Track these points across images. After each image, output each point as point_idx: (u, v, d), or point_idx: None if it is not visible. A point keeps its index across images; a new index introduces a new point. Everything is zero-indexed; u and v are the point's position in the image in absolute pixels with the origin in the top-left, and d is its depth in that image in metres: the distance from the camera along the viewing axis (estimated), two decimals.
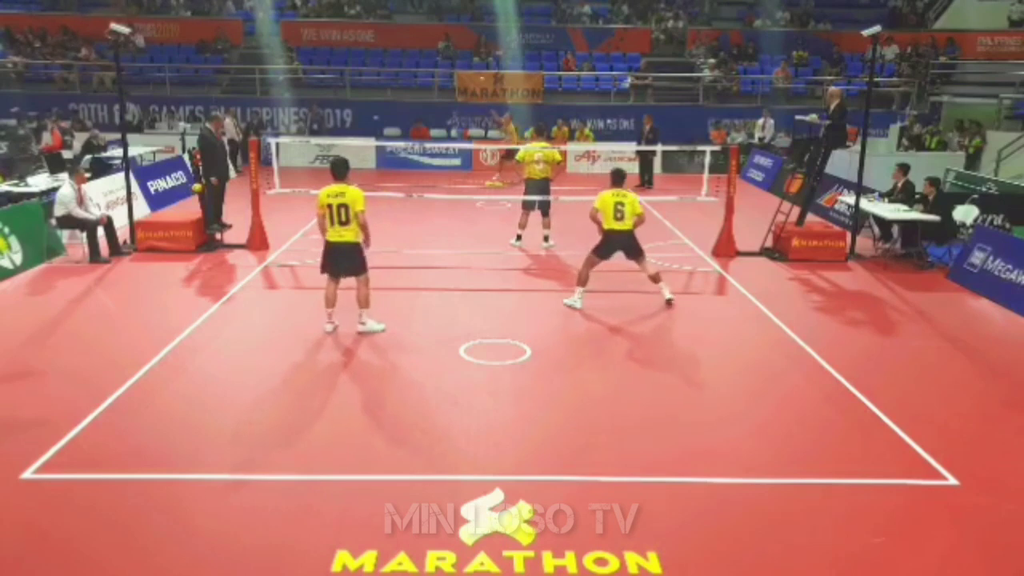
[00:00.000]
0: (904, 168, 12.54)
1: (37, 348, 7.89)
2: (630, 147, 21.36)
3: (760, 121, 21.59)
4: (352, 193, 7.76)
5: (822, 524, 5.06)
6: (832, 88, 13.00)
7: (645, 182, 18.85)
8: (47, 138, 17.96)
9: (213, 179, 11.75)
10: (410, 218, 14.00)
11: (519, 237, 12.18)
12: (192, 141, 17.39)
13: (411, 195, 13.58)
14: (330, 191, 7.76)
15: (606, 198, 9.03)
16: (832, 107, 12.22)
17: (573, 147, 20.86)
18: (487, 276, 10.84)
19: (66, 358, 7.61)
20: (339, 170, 7.94)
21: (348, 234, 7.83)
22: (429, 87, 24.06)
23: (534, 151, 11.91)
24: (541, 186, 11.91)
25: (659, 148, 18.14)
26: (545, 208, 12.02)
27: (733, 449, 5.99)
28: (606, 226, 9.05)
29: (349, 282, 8.23)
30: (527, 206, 12.03)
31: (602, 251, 9.24)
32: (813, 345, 8.17)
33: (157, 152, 18.49)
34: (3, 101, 21.02)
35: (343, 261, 8.00)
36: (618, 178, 9.17)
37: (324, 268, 8.11)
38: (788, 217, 12.30)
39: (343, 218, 7.74)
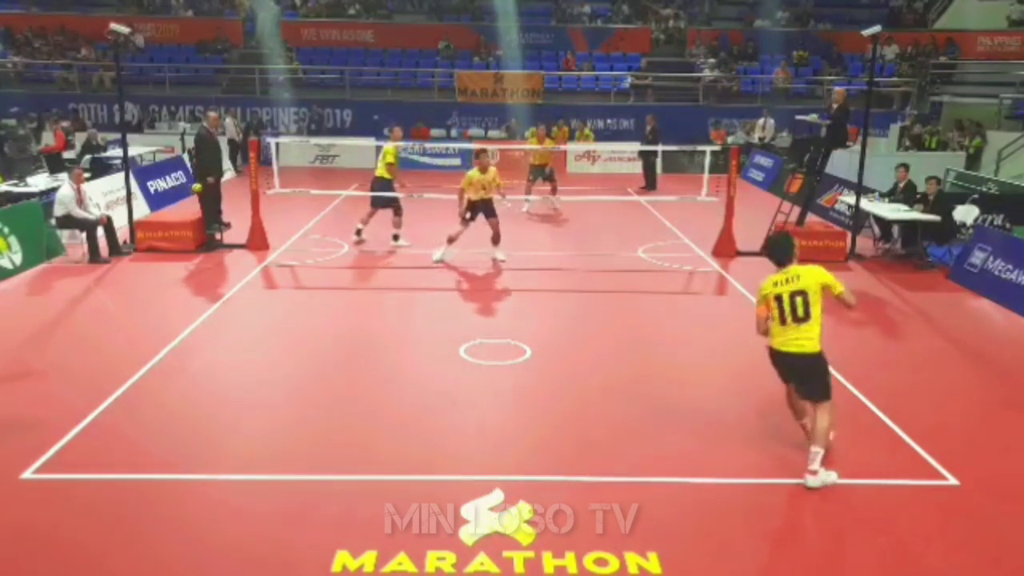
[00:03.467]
0: (907, 167, 12.55)
1: (37, 348, 7.89)
2: (630, 147, 21.36)
3: (760, 121, 21.59)
4: (811, 274, 5.42)
5: (822, 524, 5.06)
6: (837, 88, 12.99)
7: (648, 184, 18.74)
8: (48, 138, 17.96)
9: (209, 179, 11.74)
10: (410, 218, 13.97)
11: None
12: (192, 141, 17.45)
13: (411, 195, 13.57)
14: (777, 279, 5.46)
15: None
16: (834, 107, 12.22)
17: (573, 147, 20.86)
18: (487, 276, 10.84)
19: (66, 358, 7.60)
20: (784, 251, 5.62)
21: (805, 339, 5.34)
22: (429, 87, 24.06)
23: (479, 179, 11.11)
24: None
25: (659, 148, 18.11)
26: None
27: (733, 449, 5.98)
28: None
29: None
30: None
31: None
32: None
33: (157, 152, 18.49)
34: (3, 101, 21.03)
35: (797, 377, 5.53)
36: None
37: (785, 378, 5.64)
38: (788, 217, 12.30)
39: (800, 313, 5.33)
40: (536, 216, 14.96)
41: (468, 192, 11.09)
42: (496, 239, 11.31)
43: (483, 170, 11.07)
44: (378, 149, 20.93)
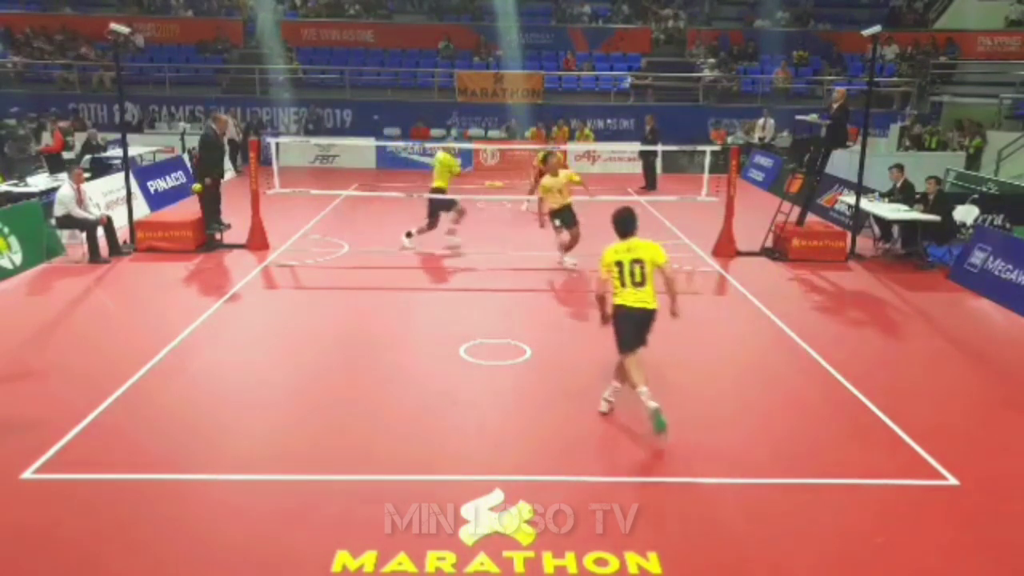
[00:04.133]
0: (900, 168, 12.55)
1: (37, 348, 7.89)
2: (629, 147, 21.35)
3: (760, 121, 21.59)
4: (647, 247, 6.27)
5: (822, 524, 5.06)
6: (837, 88, 13.00)
7: (648, 184, 18.73)
8: (47, 139, 17.95)
9: (207, 180, 11.73)
10: (410, 218, 13.98)
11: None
12: (192, 141, 17.44)
13: (411, 195, 13.58)
14: (619, 248, 6.24)
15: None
16: (835, 107, 12.22)
17: (573, 147, 20.88)
18: (487, 276, 10.83)
19: (66, 358, 7.60)
20: (626, 225, 6.37)
21: (647, 296, 6.14)
22: (429, 87, 24.06)
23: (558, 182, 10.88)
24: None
25: (659, 148, 18.12)
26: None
27: (733, 449, 5.98)
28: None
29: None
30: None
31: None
32: (813, 345, 8.17)
33: (157, 152, 18.49)
34: (3, 101, 21.02)
35: (638, 329, 6.21)
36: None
37: (626, 344, 6.19)
38: (788, 217, 12.30)
39: (638, 279, 6.11)
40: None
41: (548, 200, 10.68)
42: (570, 247, 10.80)
43: (555, 174, 10.74)
44: (378, 149, 21.16)
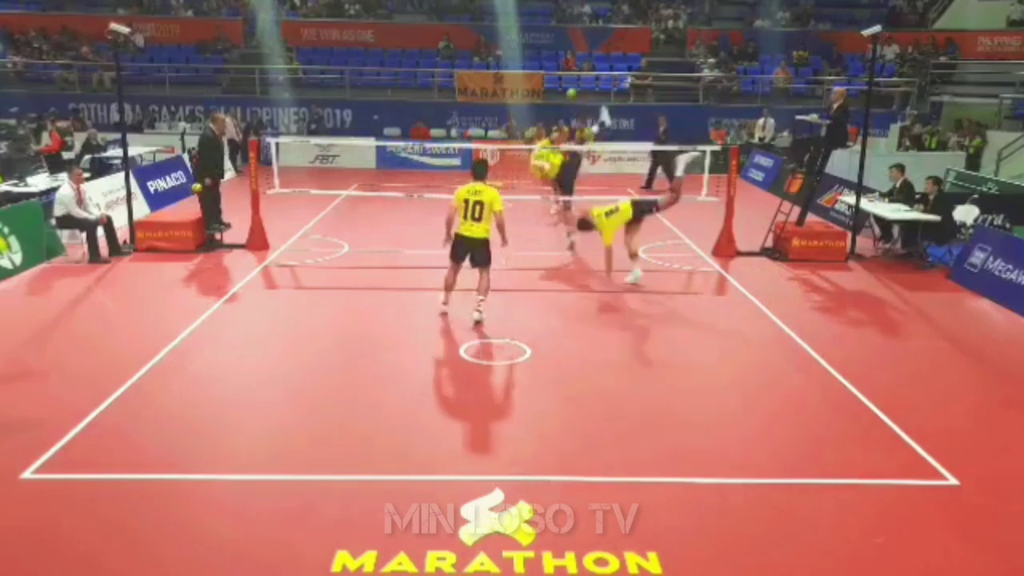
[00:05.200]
0: (901, 168, 12.54)
1: (37, 348, 7.88)
2: (629, 147, 21.34)
3: (760, 121, 21.58)
4: (490, 193, 8.28)
5: (822, 524, 5.06)
6: (837, 88, 13.00)
7: (648, 184, 18.77)
8: (46, 139, 17.95)
9: (207, 180, 11.72)
10: (411, 218, 13.98)
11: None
12: (192, 141, 17.43)
13: (411, 195, 13.58)
14: (469, 189, 8.28)
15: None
16: (835, 107, 12.22)
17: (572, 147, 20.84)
18: None
19: (66, 358, 7.60)
20: (479, 170, 8.52)
21: (478, 230, 8.31)
22: (429, 87, 24.06)
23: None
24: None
25: (667, 148, 18.08)
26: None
27: (733, 449, 5.99)
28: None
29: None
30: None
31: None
32: (813, 345, 8.17)
33: (157, 152, 18.48)
34: (3, 101, 21.01)
35: (472, 252, 8.46)
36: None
37: (452, 256, 8.55)
38: (788, 217, 12.29)
39: (476, 215, 8.26)
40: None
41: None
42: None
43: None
44: (378, 149, 21.14)
